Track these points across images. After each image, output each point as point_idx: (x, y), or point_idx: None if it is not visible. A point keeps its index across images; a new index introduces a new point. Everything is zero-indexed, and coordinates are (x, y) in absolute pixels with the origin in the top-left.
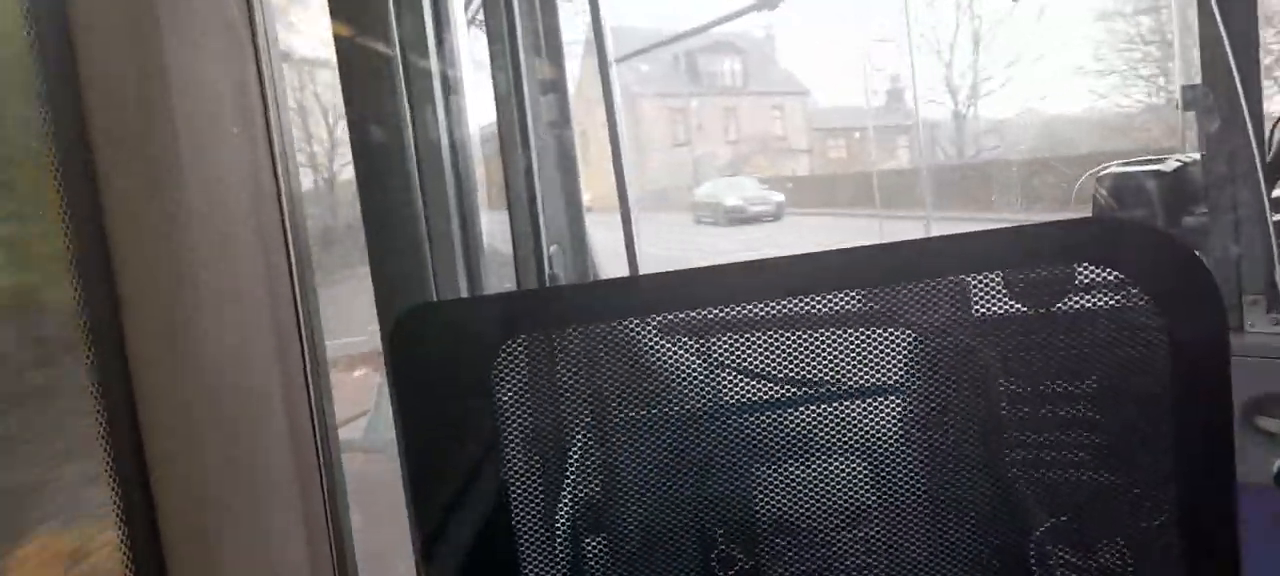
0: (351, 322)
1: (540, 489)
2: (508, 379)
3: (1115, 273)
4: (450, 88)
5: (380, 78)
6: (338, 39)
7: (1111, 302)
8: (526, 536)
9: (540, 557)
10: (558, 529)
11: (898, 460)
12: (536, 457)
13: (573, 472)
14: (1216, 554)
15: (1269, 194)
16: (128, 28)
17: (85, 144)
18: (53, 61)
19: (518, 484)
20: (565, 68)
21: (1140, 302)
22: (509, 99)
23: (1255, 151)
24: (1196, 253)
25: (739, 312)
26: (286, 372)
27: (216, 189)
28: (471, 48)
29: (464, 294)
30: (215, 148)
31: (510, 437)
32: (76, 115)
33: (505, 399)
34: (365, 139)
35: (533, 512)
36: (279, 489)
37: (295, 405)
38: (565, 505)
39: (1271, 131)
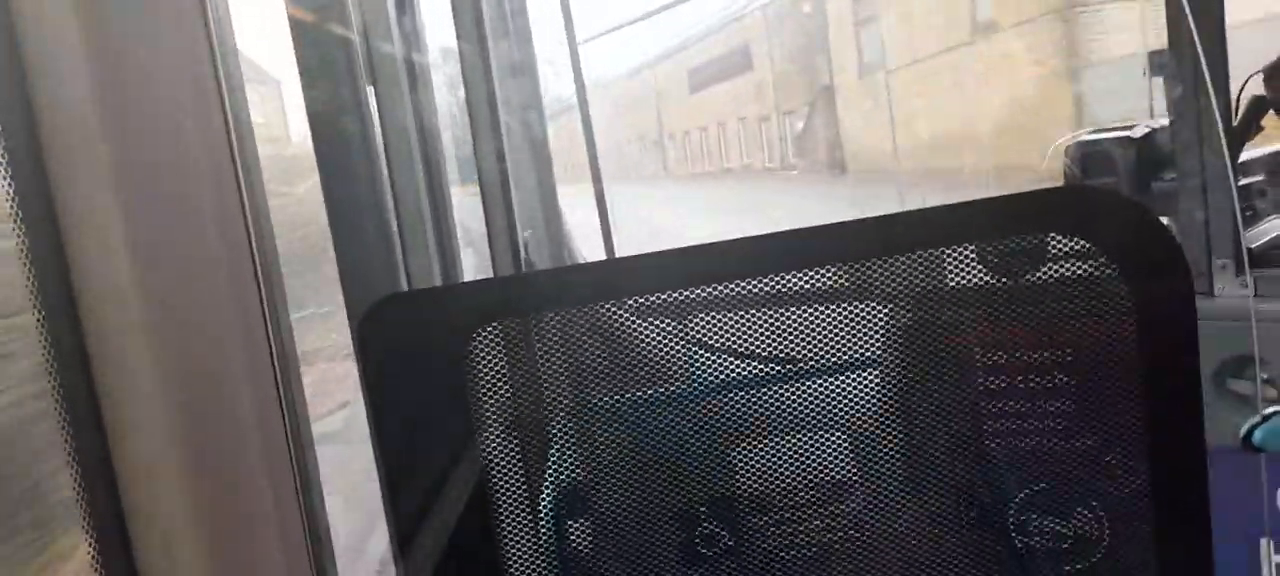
0: None
1: (519, 476)
2: (483, 367)
3: (1083, 242)
4: (416, 72)
5: (341, 63)
6: (294, 23)
7: (1081, 272)
8: (506, 524)
9: (521, 544)
10: (539, 515)
11: (877, 433)
12: (515, 445)
13: (553, 458)
14: (1187, 515)
15: (1234, 158)
16: (76, 21)
17: (35, 142)
18: None
19: (496, 472)
20: (534, 49)
21: (1108, 271)
22: (477, 82)
23: (1218, 116)
24: (1163, 219)
25: (715, 292)
26: (254, 366)
27: (174, 184)
28: (437, 31)
29: (438, 282)
30: (171, 142)
31: (487, 426)
32: (25, 113)
33: (481, 388)
34: (327, 126)
35: (512, 500)
36: (250, 484)
37: (265, 399)
38: (546, 491)
39: (1237, 96)
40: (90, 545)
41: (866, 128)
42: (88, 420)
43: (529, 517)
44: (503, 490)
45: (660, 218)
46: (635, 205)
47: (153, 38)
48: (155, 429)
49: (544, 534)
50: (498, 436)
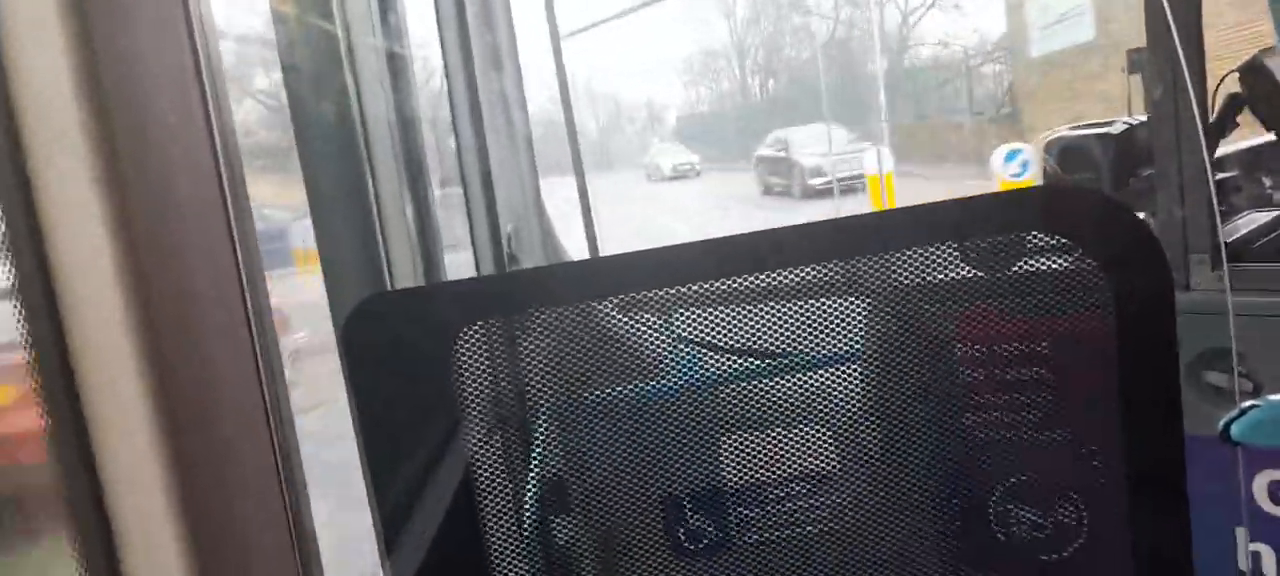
0: None
1: (505, 474)
2: (468, 366)
3: (1062, 238)
4: (398, 66)
5: (323, 57)
6: (277, 16)
7: (1060, 266)
8: (492, 521)
9: (507, 541)
10: (525, 512)
11: (860, 427)
12: (500, 443)
13: (537, 456)
14: (1166, 506)
15: (1211, 154)
16: (55, 12)
17: (14, 137)
18: None
19: (482, 470)
20: (517, 42)
21: (1087, 266)
22: (459, 76)
23: (1197, 112)
24: (1141, 214)
25: (700, 289)
26: (237, 363)
27: (155, 178)
28: (419, 24)
29: (420, 280)
30: (152, 136)
31: (473, 424)
32: (4, 106)
33: (467, 386)
34: (309, 122)
35: (498, 497)
36: (235, 482)
37: (248, 396)
38: (532, 488)
39: (1213, 92)
40: (74, 545)
41: None
42: (70, 418)
43: (515, 514)
44: (489, 487)
45: None
46: None
47: (133, 28)
48: (139, 428)
49: (529, 530)
50: (484, 434)
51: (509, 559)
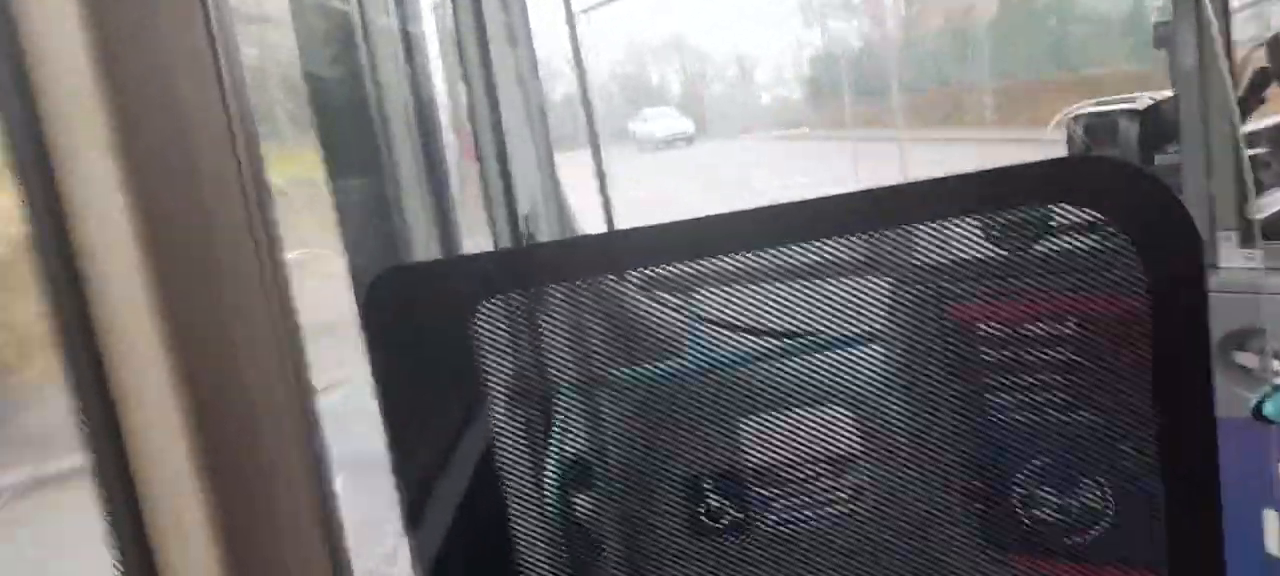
0: None
1: (525, 449)
2: (488, 339)
3: (1092, 212)
4: (413, 44)
5: (338, 35)
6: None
7: (1089, 242)
8: (513, 496)
9: (528, 516)
10: (545, 487)
11: (881, 407)
12: (520, 418)
13: (557, 431)
14: (1197, 488)
15: (1240, 129)
16: (75, 9)
17: (35, 120)
18: None
19: (502, 444)
20: (530, 19)
21: (1118, 241)
22: (474, 54)
23: (1229, 86)
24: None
25: (718, 265)
26: (257, 348)
27: (171, 162)
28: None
29: (437, 255)
30: (168, 119)
31: (492, 398)
32: (25, 91)
33: (486, 360)
34: (326, 99)
35: (518, 472)
36: (263, 472)
37: (270, 381)
38: (551, 464)
39: (1241, 66)
40: (110, 533)
41: None
42: (100, 409)
43: (537, 490)
44: (510, 462)
45: None
46: None
47: (149, 11)
48: (168, 416)
49: (550, 505)
50: (504, 408)
51: (530, 531)
